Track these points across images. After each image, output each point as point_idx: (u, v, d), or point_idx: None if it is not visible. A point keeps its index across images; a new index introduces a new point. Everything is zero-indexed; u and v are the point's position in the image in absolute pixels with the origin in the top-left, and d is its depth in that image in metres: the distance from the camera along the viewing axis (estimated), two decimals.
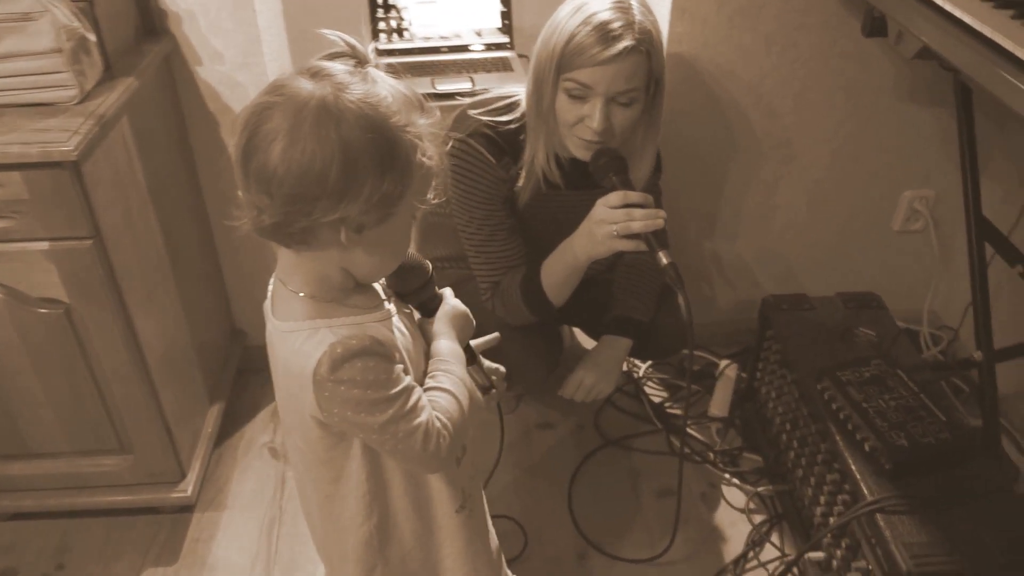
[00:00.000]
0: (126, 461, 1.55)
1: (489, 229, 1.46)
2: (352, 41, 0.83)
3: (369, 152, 0.77)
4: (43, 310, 1.34)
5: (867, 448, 1.32)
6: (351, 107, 0.77)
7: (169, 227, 1.56)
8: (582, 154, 1.36)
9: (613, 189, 1.30)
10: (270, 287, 0.95)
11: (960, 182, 1.47)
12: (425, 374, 0.98)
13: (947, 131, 1.78)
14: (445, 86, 2.00)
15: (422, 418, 0.89)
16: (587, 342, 1.93)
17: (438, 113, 0.86)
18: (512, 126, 1.41)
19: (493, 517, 1.19)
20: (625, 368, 1.96)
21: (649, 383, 1.95)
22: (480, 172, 1.42)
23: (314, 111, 0.76)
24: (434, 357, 0.99)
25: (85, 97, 1.30)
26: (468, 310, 1.06)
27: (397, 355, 0.89)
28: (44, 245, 1.28)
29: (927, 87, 1.73)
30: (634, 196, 1.28)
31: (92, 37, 1.32)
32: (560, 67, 1.27)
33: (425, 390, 0.94)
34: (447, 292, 1.06)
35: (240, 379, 1.93)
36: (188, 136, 1.68)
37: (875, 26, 1.43)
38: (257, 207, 0.78)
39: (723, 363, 1.94)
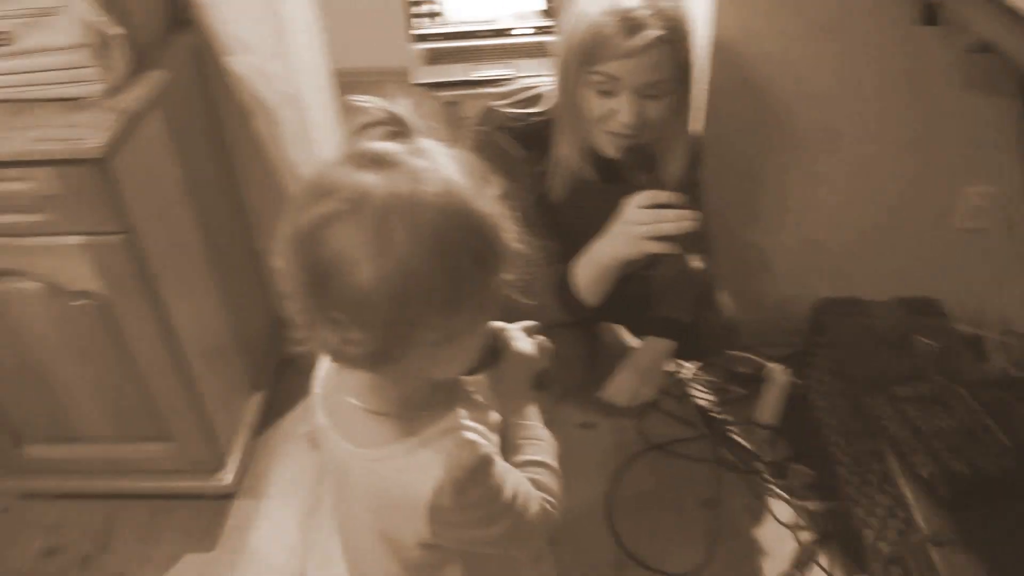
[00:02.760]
0: (167, 449, 1.57)
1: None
2: (391, 107, 0.68)
3: (470, 253, 0.65)
4: (78, 302, 1.36)
5: (923, 473, 1.23)
6: (437, 203, 0.63)
7: (206, 220, 1.55)
8: (612, 151, 1.30)
9: (643, 188, 1.24)
10: (318, 392, 0.84)
11: None
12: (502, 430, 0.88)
13: (1013, 123, 1.64)
14: (484, 73, 1.94)
15: (535, 508, 0.82)
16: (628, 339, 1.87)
17: (496, 182, 0.73)
18: (538, 119, 1.36)
19: None
20: (671, 369, 1.90)
21: (697, 386, 1.88)
22: (508, 168, 1.37)
23: (401, 216, 0.62)
24: (516, 421, 0.88)
25: (114, 91, 1.30)
26: (531, 347, 0.91)
27: (494, 449, 0.79)
28: (77, 239, 1.29)
29: (988, 77, 1.59)
30: (664, 196, 1.22)
31: (119, 30, 1.30)
32: (583, 60, 1.21)
33: (521, 465, 0.85)
34: (508, 334, 0.90)
35: (281, 369, 1.93)
36: (222, 129, 1.67)
37: (928, 15, 1.33)
38: (342, 336, 0.65)
39: (773, 367, 1.85)
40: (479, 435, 0.77)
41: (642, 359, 1.55)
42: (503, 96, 1.39)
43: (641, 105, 1.22)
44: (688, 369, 1.91)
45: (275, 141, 1.68)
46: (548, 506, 0.84)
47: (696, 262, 1.19)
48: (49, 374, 1.46)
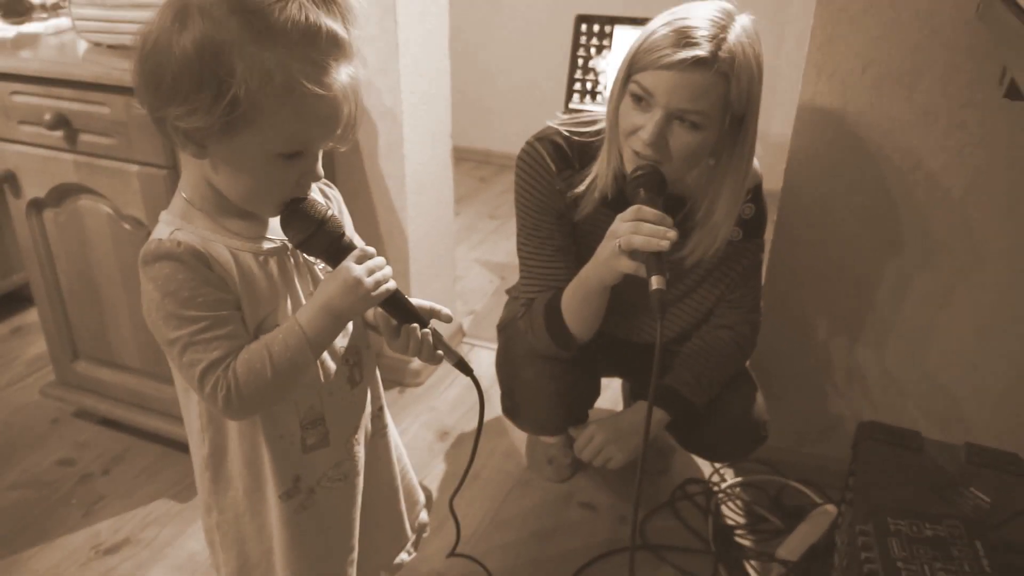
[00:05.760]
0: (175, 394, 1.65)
1: (537, 241, 1.37)
2: None
3: (185, 63, 0.75)
4: (128, 226, 1.51)
5: None
6: (209, 9, 0.75)
7: None
8: (630, 169, 1.22)
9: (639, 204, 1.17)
10: None
11: None
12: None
13: None
14: None
15: (211, 355, 0.84)
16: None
17: (352, 52, 0.80)
18: (588, 139, 1.33)
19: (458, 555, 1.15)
20: (708, 475, 1.66)
21: (730, 503, 1.63)
22: (537, 178, 1.34)
23: (180, 10, 0.76)
24: (288, 318, 0.89)
25: None
26: (354, 275, 0.86)
27: (232, 285, 0.85)
28: (134, 167, 1.45)
29: None
30: (648, 212, 1.13)
31: None
32: (630, 66, 1.16)
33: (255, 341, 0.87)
34: (356, 249, 0.89)
35: None
36: None
37: None
38: None
39: (825, 506, 1.56)
40: (229, 257, 0.86)
41: (624, 419, 1.40)
42: (570, 118, 1.39)
43: (670, 129, 1.15)
44: (724, 480, 1.66)
45: (369, 151, 1.81)
46: (230, 372, 0.84)
47: (656, 283, 1.09)
48: (103, 295, 1.63)
